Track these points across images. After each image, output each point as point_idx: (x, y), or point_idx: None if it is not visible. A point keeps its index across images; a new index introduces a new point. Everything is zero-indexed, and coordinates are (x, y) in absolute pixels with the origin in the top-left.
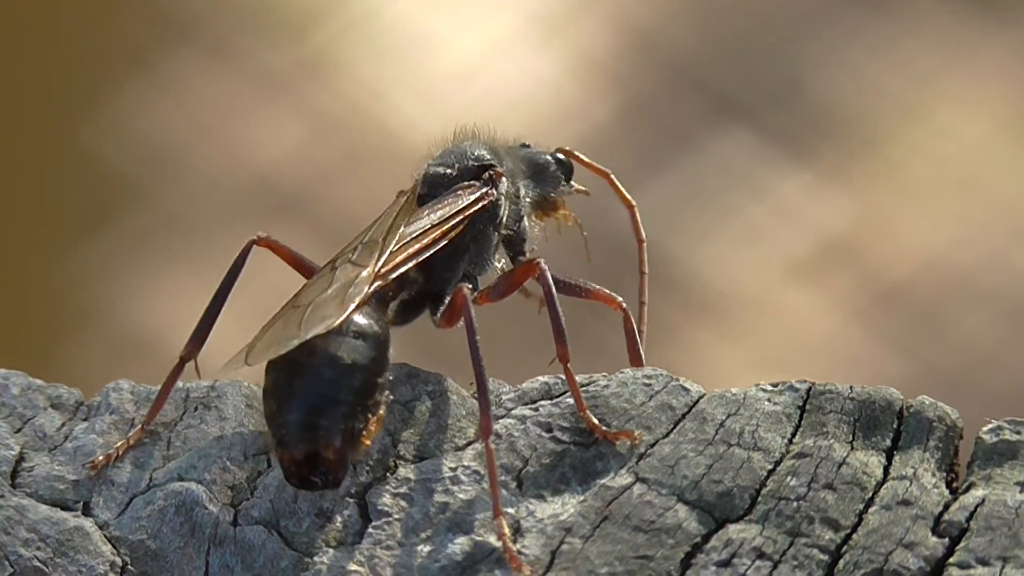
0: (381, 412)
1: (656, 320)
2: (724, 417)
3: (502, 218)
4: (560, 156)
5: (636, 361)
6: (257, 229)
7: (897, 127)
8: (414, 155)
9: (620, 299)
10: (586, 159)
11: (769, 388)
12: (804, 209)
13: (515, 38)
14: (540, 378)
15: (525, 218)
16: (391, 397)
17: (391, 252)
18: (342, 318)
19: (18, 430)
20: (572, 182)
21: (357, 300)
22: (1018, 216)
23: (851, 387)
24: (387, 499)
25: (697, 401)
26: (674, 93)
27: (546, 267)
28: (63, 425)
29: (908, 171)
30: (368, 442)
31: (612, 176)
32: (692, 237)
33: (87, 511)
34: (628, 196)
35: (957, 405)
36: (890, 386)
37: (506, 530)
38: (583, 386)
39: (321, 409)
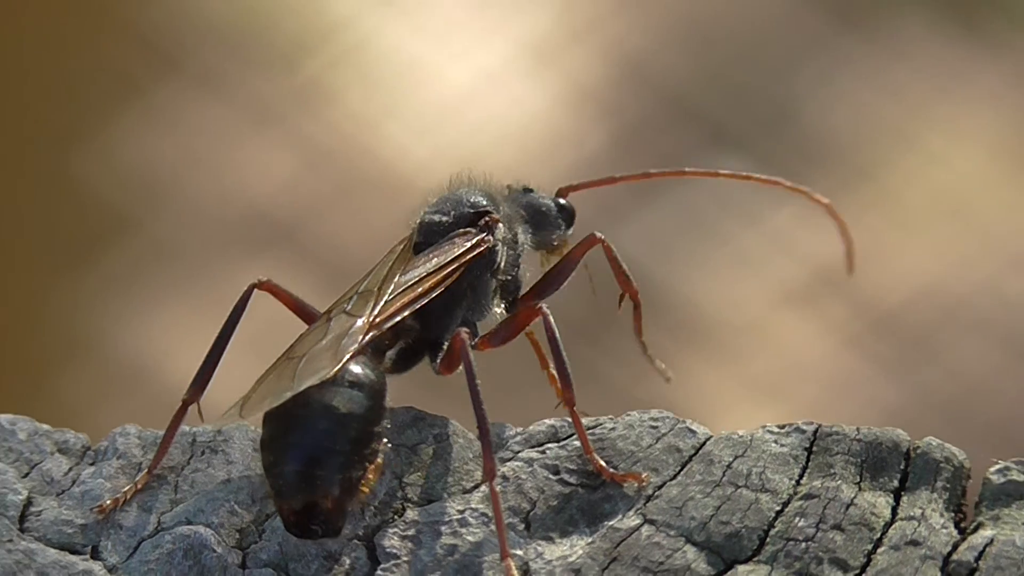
0: (379, 460)
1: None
2: (731, 459)
3: (499, 264)
4: (563, 202)
5: (625, 284)
6: (248, 259)
7: (889, 155)
8: (406, 185)
9: (599, 234)
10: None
11: (776, 430)
12: (797, 236)
13: (507, 67)
14: (547, 421)
15: (522, 264)
16: (389, 445)
17: (386, 301)
18: (335, 369)
19: (25, 475)
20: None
21: (351, 351)
22: (1011, 243)
23: (857, 428)
24: (395, 541)
25: (704, 443)
26: (666, 122)
27: (548, 311)
28: (70, 470)
29: (900, 199)
30: (367, 490)
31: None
32: (685, 265)
33: (95, 555)
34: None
35: (951, 432)
36: (883, 412)
37: (515, 572)
38: (589, 429)
39: (317, 459)
